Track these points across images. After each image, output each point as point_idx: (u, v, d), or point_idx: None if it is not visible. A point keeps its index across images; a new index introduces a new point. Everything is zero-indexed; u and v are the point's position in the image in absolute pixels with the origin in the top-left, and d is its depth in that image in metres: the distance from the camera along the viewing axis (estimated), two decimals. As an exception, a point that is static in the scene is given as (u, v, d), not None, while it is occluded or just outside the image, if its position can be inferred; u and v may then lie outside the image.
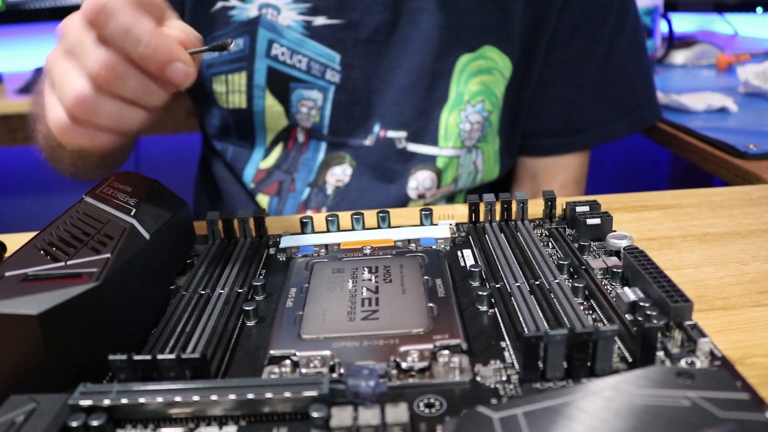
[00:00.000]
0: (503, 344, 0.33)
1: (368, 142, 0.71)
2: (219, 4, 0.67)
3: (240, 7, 0.67)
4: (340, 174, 0.72)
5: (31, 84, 1.46)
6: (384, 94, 0.70)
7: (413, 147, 0.71)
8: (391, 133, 0.71)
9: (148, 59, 0.37)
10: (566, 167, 0.78)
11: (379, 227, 0.48)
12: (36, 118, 0.61)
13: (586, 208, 0.46)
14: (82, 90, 0.37)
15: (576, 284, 0.37)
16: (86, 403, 0.28)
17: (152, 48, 0.37)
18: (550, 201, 0.48)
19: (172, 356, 0.30)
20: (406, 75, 0.69)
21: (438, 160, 0.71)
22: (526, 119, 0.77)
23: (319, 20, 0.67)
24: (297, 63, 0.68)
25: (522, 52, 0.71)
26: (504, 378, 0.30)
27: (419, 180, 0.71)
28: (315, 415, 0.27)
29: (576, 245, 0.42)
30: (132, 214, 0.38)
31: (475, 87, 0.71)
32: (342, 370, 0.31)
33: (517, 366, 0.31)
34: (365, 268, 0.40)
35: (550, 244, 0.45)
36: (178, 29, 0.39)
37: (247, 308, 0.37)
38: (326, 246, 0.45)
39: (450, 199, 0.76)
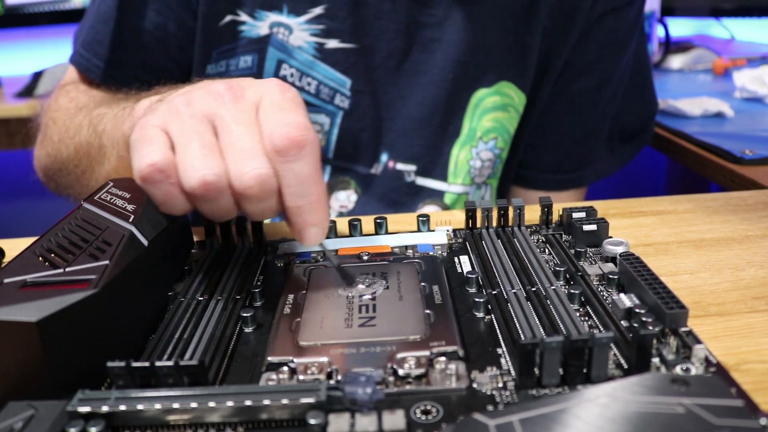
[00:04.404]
0: (499, 351, 0.33)
1: (375, 170, 0.70)
2: (228, 18, 0.65)
3: (250, 23, 0.65)
4: (344, 200, 0.70)
5: (30, 87, 1.47)
6: (393, 123, 0.68)
7: (422, 181, 0.70)
8: (401, 166, 0.69)
9: (296, 211, 0.36)
10: (562, 201, 0.77)
11: (376, 233, 0.48)
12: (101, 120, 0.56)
13: (583, 215, 0.46)
14: (215, 179, 0.35)
15: (572, 291, 0.37)
16: (85, 409, 0.28)
17: (311, 205, 0.36)
18: (546, 207, 0.48)
19: (171, 363, 0.30)
20: (418, 106, 0.68)
21: (446, 196, 0.70)
22: (524, 148, 0.76)
23: (332, 43, 0.65)
24: (306, 86, 0.66)
25: (532, 86, 0.70)
26: (500, 385, 0.31)
27: None
28: (312, 422, 0.27)
29: (572, 251, 0.42)
30: (130, 220, 0.38)
31: (489, 124, 0.69)
32: (339, 377, 0.31)
33: (513, 373, 0.31)
34: (362, 275, 0.40)
35: (547, 251, 0.45)
36: None
37: (245, 315, 0.37)
38: (324, 253, 0.46)
39: None
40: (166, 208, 0.38)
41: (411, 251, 0.45)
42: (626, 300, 0.36)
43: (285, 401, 0.28)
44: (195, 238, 0.48)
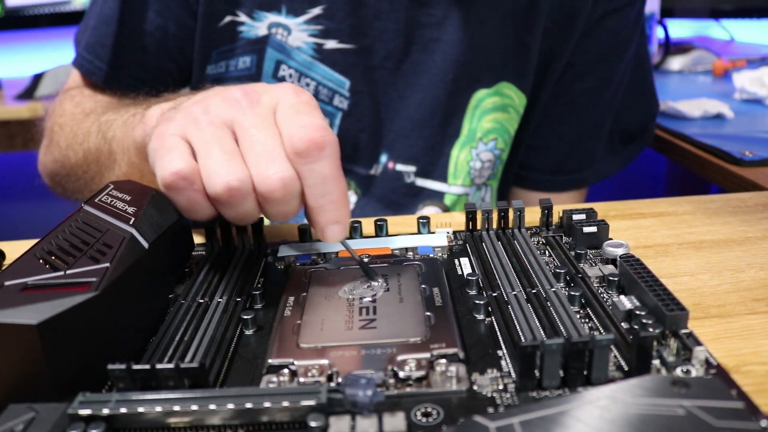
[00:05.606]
0: (500, 353, 0.33)
1: (374, 171, 0.70)
2: (228, 19, 0.65)
3: (249, 24, 0.65)
4: None
5: (31, 89, 1.47)
6: (393, 124, 0.68)
7: (422, 182, 0.70)
8: (400, 167, 0.69)
9: (319, 210, 0.37)
10: (562, 202, 0.77)
11: (376, 235, 0.48)
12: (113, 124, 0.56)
13: (583, 216, 0.46)
14: (239, 184, 0.35)
15: (572, 293, 0.37)
16: (85, 412, 0.28)
17: (333, 204, 0.36)
18: (546, 209, 0.48)
19: (171, 365, 0.30)
20: (417, 107, 0.68)
21: (446, 197, 0.71)
22: (524, 149, 0.76)
23: (331, 44, 0.65)
24: (304, 86, 0.66)
25: (532, 87, 0.70)
26: (501, 387, 0.31)
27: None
28: (313, 424, 0.27)
29: (572, 253, 0.42)
30: (131, 223, 0.38)
31: (489, 124, 0.69)
32: (340, 380, 0.31)
33: (513, 375, 0.32)
34: (363, 277, 0.40)
35: (547, 253, 0.45)
36: None
37: (245, 317, 0.37)
38: (324, 254, 0.46)
39: None
40: (190, 215, 0.38)
41: (411, 253, 0.45)
42: (626, 302, 0.36)
43: (285, 404, 0.28)
44: (195, 240, 0.48)
